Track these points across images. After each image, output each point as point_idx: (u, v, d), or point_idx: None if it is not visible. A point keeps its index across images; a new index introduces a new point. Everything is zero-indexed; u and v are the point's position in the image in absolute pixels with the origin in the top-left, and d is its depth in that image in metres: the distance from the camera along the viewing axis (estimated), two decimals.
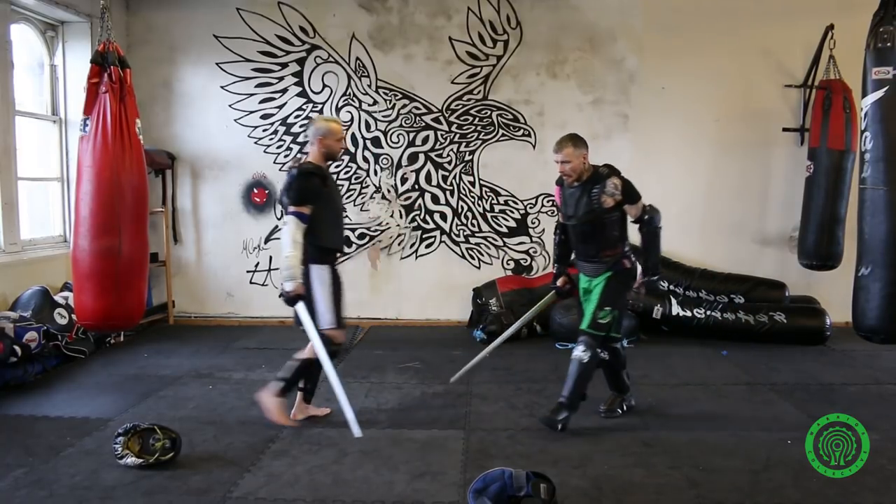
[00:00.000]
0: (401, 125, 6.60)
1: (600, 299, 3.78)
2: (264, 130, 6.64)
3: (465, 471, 3.30)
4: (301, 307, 3.72)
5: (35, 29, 5.95)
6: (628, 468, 3.33)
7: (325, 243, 3.80)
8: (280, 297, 3.75)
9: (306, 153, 3.96)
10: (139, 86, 5.22)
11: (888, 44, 3.90)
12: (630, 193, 3.78)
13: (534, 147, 6.55)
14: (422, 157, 6.62)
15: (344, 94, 6.59)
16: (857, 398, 4.38)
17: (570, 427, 3.83)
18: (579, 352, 3.79)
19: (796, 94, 6.39)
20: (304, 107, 6.60)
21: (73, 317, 5.05)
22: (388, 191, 6.65)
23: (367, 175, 6.66)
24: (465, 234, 6.66)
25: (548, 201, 6.60)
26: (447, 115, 6.58)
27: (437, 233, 6.67)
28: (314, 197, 3.70)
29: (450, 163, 6.61)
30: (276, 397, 3.87)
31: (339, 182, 6.65)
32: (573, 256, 4.04)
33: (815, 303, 6.10)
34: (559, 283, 4.14)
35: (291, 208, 3.67)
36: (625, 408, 4.06)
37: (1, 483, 3.17)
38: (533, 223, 6.64)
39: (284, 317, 6.51)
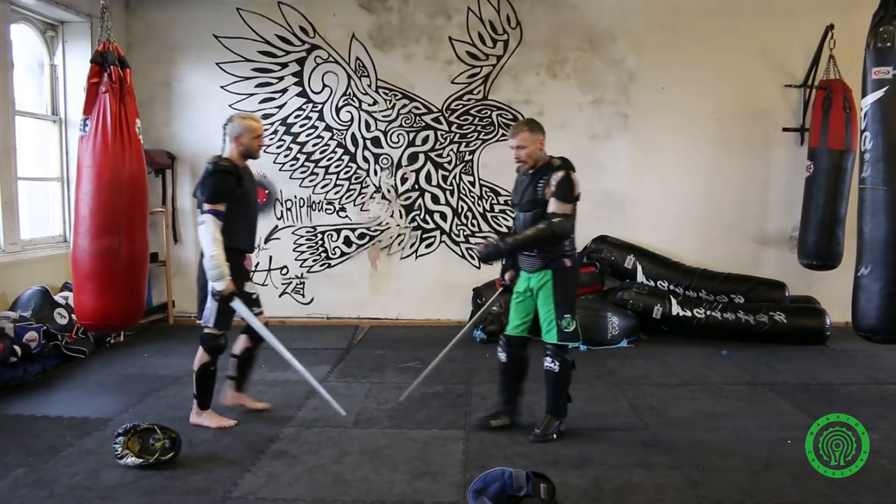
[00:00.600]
0: (401, 125, 6.60)
1: (556, 309, 3.59)
2: (264, 130, 6.62)
3: (465, 471, 3.30)
4: (238, 304, 3.70)
5: (35, 29, 5.94)
6: (628, 468, 3.33)
7: (232, 243, 3.71)
8: (213, 297, 3.66)
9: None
10: (139, 86, 5.22)
11: (888, 44, 3.90)
12: (563, 190, 3.54)
13: None
14: (422, 157, 6.62)
15: (344, 94, 6.59)
16: (857, 398, 4.38)
17: (570, 427, 3.83)
18: (548, 363, 3.66)
19: (796, 93, 6.39)
20: (304, 107, 6.60)
21: (73, 317, 5.05)
22: (388, 191, 6.65)
23: (367, 175, 6.66)
24: (466, 233, 6.66)
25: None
26: (447, 115, 6.58)
27: (437, 233, 6.68)
28: (228, 196, 3.66)
29: (450, 163, 6.61)
30: (200, 410, 3.89)
31: (338, 182, 6.66)
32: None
33: (815, 303, 6.10)
34: (507, 276, 3.96)
35: (207, 206, 3.63)
36: (508, 422, 3.83)
37: (1, 483, 3.17)
38: None
39: (284, 317, 6.55)
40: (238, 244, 3.80)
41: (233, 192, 3.69)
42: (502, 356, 3.84)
